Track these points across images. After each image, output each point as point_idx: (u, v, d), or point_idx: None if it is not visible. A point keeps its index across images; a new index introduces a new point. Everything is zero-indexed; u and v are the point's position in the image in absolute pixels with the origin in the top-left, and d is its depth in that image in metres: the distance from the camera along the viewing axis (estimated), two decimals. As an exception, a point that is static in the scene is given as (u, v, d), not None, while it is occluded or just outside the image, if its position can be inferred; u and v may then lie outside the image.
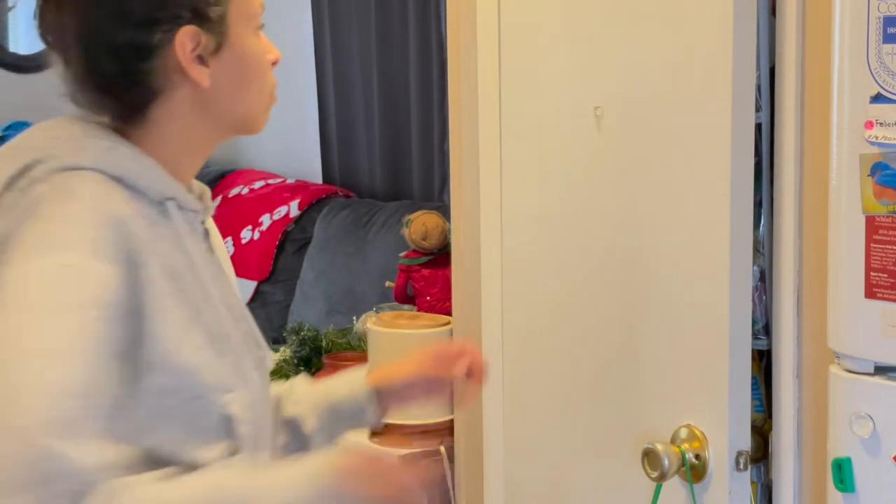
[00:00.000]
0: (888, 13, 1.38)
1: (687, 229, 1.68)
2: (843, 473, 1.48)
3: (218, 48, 1.28)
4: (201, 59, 1.27)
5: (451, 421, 2.40)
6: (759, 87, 1.66)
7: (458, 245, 2.23)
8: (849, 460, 1.47)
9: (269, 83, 1.36)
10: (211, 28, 1.27)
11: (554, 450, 1.98)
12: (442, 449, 2.43)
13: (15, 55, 6.16)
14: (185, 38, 1.25)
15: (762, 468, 1.77)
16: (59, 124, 1.28)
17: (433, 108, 4.83)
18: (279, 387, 1.51)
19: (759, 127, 1.68)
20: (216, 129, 1.33)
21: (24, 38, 6.26)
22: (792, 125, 1.62)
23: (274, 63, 1.36)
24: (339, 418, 1.50)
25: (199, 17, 1.26)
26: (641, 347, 1.77)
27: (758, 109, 1.66)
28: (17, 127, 5.90)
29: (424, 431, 2.46)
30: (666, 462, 1.64)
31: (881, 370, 1.46)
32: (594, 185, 1.81)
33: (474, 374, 1.49)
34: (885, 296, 1.42)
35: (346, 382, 1.52)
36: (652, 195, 1.73)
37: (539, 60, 1.92)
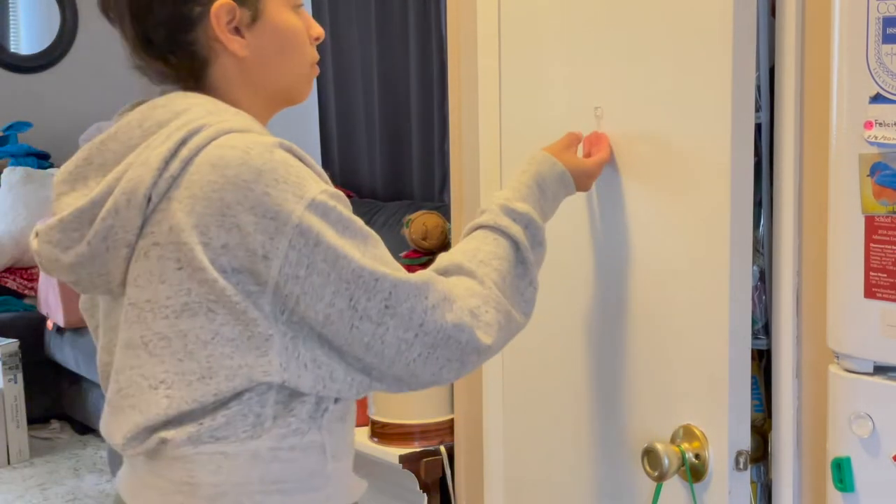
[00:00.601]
0: (888, 13, 1.38)
1: (687, 228, 1.68)
2: (842, 473, 1.48)
3: (253, 21, 1.42)
4: (238, 31, 1.41)
5: (451, 421, 2.41)
6: (758, 87, 1.66)
7: (458, 245, 2.23)
8: (848, 460, 1.48)
9: (309, 56, 1.49)
10: (246, 2, 1.41)
11: (554, 449, 1.98)
12: (442, 449, 2.43)
13: (15, 55, 6.18)
14: (221, 11, 1.39)
15: (762, 468, 1.77)
16: (175, 100, 1.39)
17: (433, 108, 4.83)
18: None
19: (758, 127, 1.68)
20: (263, 97, 1.46)
21: (25, 38, 6.26)
22: (791, 125, 1.62)
23: (316, 39, 1.50)
24: None
25: None
26: (641, 347, 1.77)
27: (757, 109, 1.66)
28: (18, 127, 5.90)
29: (424, 431, 2.46)
30: (666, 461, 1.65)
31: (880, 370, 1.46)
32: (594, 185, 1.81)
33: None
34: (884, 295, 1.42)
35: None
36: (652, 194, 1.73)
37: (539, 60, 1.93)
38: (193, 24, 1.39)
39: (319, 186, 1.33)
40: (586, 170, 1.71)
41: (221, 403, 1.35)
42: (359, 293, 1.33)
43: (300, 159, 1.35)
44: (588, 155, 1.76)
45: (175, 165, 1.32)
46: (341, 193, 1.36)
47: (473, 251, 1.51)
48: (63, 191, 1.41)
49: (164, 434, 1.37)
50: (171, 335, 1.34)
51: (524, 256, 1.52)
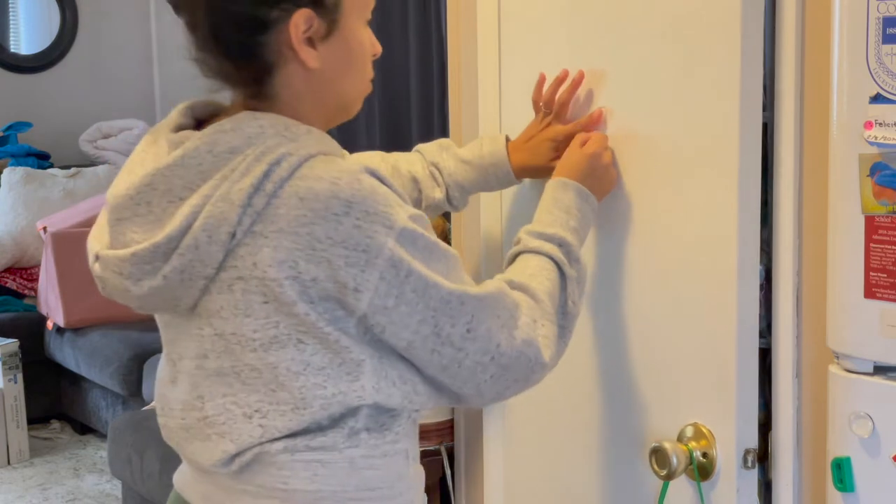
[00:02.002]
0: (888, 13, 1.38)
1: (695, 227, 1.68)
2: (842, 473, 1.48)
3: (328, 34, 1.38)
4: (311, 42, 1.37)
5: (451, 421, 2.41)
6: (765, 87, 1.66)
7: (458, 245, 2.23)
8: (848, 460, 1.48)
9: (369, 73, 1.46)
10: (325, 14, 1.37)
11: (556, 449, 1.98)
12: (442, 449, 2.43)
13: (15, 55, 6.18)
14: (300, 20, 1.35)
15: (762, 467, 1.77)
16: (245, 123, 1.34)
17: (433, 108, 4.83)
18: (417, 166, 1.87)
19: (765, 126, 1.68)
20: (323, 112, 1.42)
21: (25, 38, 6.26)
22: (791, 125, 1.62)
23: (374, 56, 1.47)
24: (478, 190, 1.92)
25: (316, 2, 1.35)
26: (648, 345, 1.77)
27: (764, 109, 1.65)
28: (18, 127, 5.90)
29: (424, 431, 2.46)
30: (674, 460, 1.65)
31: (880, 370, 1.46)
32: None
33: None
34: (884, 295, 1.42)
35: (489, 177, 1.86)
36: (659, 193, 1.73)
37: (540, 60, 1.92)
38: (268, 28, 1.34)
39: (406, 212, 1.31)
40: (588, 167, 1.70)
41: (316, 427, 1.35)
42: (443, 320, 1.33)
43: (383, 182, 1.32)
44: None
45: (259, 200, 1.27)
46: (422, 213, 1.34)
47: (521, 269, 1.52)
48: (123, 216, 1.35)
49: (256, 450, 1.35)
50: (261, 367, 1.32)
51: (564, 271, 1.53)
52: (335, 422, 1.35)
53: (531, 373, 1.43)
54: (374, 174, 1.32)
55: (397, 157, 1.88)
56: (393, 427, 1.40)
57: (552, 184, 1.68)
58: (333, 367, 1.32)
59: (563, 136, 1.81)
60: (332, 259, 1.27)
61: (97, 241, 1.40)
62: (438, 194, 1.86)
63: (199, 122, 1.43)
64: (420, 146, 1.92)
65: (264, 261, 1.28)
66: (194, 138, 1.34)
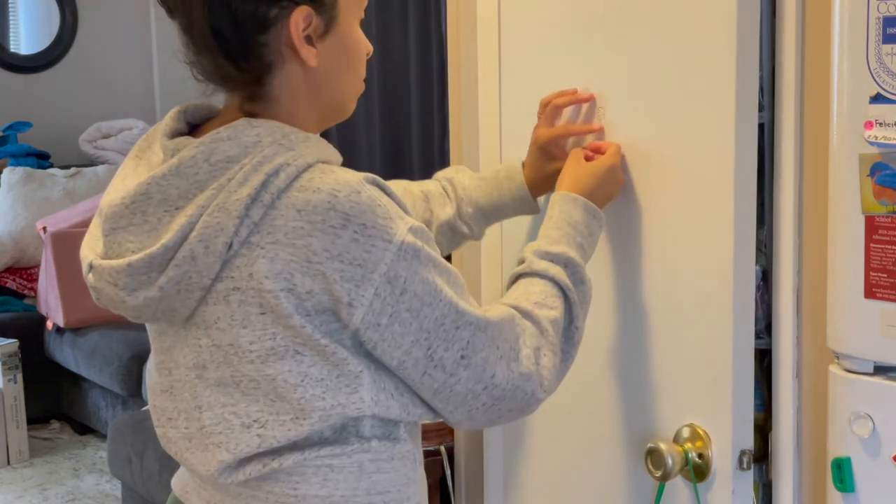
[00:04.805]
0: (888, 13, 1.38)
1: (691, 228, 1.68)
2: (842, 473, 1.48)
3: (326, 32, 1.37)
4: (310, 40, 1.35)
5: (451, 421, 2.41)
6: (762, 87, 1.66)
7: (457, 251, 2.23)
8: (848, 460, 1.48)
9: (363, 72, 1.45)
10: (323, 12, 1.36)
11: (555, 449, 1.98)
12: (442, 449, 2.43)
13: (15, 55, 6.18)
14: (299, 17, 1.33)
15: (762, 468, 1.77)
16: (241, 131, 1.31)
17: (433, 108, 4.84)
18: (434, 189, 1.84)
19: (761, 127, 1.68)
20: (319, 111, 1.41)
21: (24, 38, 6.26)
22: (791, 125, 1.62)
23: (367, 55, 1.46)
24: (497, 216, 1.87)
25: (315, 0, 1.34)
26: (644, 346, 1.77)
27: (761, 109, 1.65)
28: (18, 127, 5.91)
29: (425, 431, 2.46)
30: (670, 461, 1.65)
31: (881, 370, 1.46)
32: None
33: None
34: (884, 296, 1.42)
35: (503, 191, 1.82)
36: (655, 194, 1.73)
37: (539, 61, 1.92)
38: (268, 27, 1.32)
39: (406, 224, 1.29)
40: (598, 181, 1.67)
41: (319, 437, 1.34)
42: (437, 343, 1.31)
43: (384, 191, 1.31)
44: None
45: (257, 211, 1.26)
46: (423, 226, 1.32)
47: (524, 294, 1.48)
48: (118, 225, 1.33)
49: (262, 464, 1.34)
50: (259, 378, 1.31)
51: (568, 296, 1.50)
52: (341, 431, 1.35)
53: (526, 405, 1.41)
54: (375, 183, 1.30)
55: (410, 182, 1.87)
56: (399, 434, 1.39)
57: (559, 197, 1.63)
58: (332, 378, 1.30)
59: (544, 140, 1.79)
60: (327, 273, 1.25)
61: (90, 251, 1.38)
62: (449, 210, 1.81)
63: (193, 126, 1.41)
64: (437, 173, 1.91)
65: (260, 272, 1.26)
66: (191, 146, 1.31)
